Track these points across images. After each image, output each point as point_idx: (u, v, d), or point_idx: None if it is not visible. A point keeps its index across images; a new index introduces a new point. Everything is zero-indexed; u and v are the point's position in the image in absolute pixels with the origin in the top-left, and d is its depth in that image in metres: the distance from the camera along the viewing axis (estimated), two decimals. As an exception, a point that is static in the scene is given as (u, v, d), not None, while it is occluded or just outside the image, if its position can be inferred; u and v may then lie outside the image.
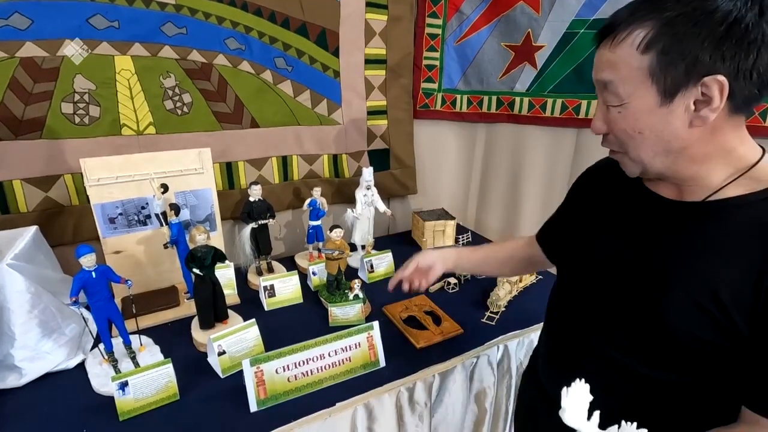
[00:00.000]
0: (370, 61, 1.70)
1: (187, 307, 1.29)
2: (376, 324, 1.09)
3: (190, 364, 1.08)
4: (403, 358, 1.12)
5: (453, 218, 1.80)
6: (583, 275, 0.74)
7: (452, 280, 1.45)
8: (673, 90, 0.55)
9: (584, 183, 0.85)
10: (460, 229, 1.90)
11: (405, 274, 1.04)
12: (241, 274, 1.46)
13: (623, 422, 0.55)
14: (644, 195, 0.67)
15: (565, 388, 0.58)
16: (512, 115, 1.78)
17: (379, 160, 1.82)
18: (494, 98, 1.80)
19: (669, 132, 0.57)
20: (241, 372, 1.02)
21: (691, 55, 0.52)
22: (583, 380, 0.59)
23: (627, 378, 0.67)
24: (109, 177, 1.20)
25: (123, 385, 0.90)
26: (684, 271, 0.59)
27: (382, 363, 1.09)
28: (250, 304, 1.35)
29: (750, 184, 0.57)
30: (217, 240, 1.39)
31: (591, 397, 0.58)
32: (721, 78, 0.52)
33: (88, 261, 0.96)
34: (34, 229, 1.15)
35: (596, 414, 0.57)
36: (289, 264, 1.58)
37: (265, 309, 1.32)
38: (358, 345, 1.06)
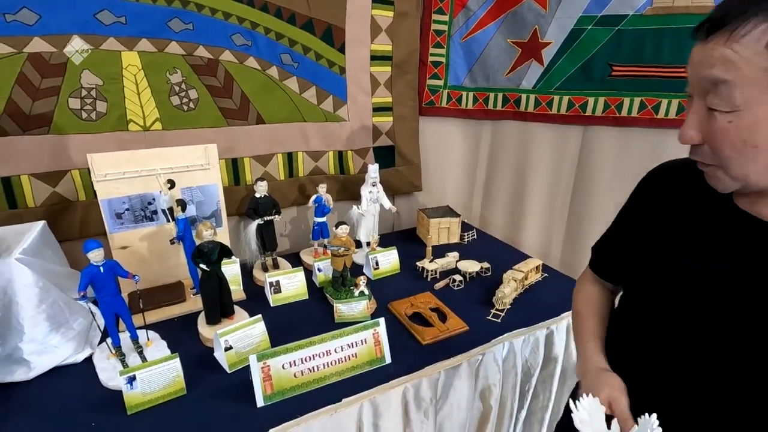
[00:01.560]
0: (376, 58, 1.69)
1: (193, 303, 1.29)
2: (382, 320, 1.09)
3: (197, 359, 1.09)
4: (409, 354, 1.12)
5: (458, 215, 1.80)
6: (662, 304, 0.65)
7: (457, 278, 1.45)
8: None
9: (651, 191, 0.72)
10: (465, 227, 1.90)
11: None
12: (246, 270, 1.47)
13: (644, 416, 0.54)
14: (737, 216, 0.58)
15: (573, 403, 0.56)
16: (518, 112, 1.78)
17: (385, 157, 1.82)
18: (500, 95, 1.79)
19: None
20: (247, 367, 1.02)
21: None
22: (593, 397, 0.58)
23: (709, 414, 0.60)
24: (116, 172, 1.20)
25: (131, 380, 0.91)
26: None
27: (388, 359, 1.09)
28: (255, 300, 1.35)
29: None
30: (223, 236, 1.39)
31: (603, 408, 0.58)
32: None
33: (96, 256, 0.96)
34: (41, 224, 1.16)
35: (614, 422, 0.55)
36: (294, 260, 1.59)
37: (271, 305, 1.33)
38: (364, 341, 1.06)
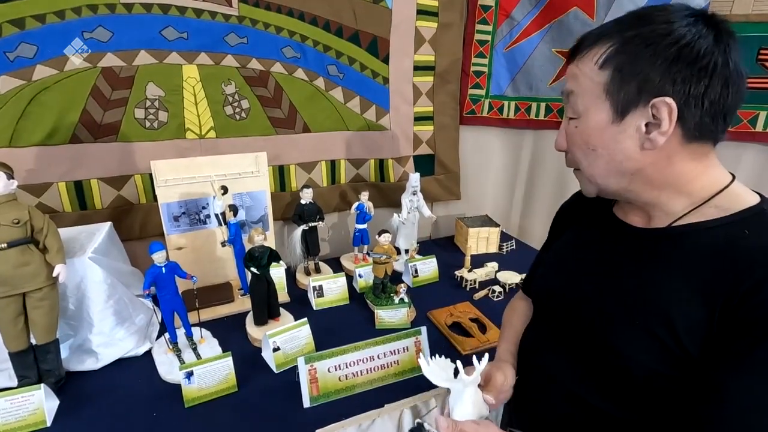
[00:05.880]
0: (419, 68, 1.72)
1: (241, 303, 1.36)
2: (424, 329, 1.11)
3: (245, 357, 1.14)
4: (449, 364, 1.13)
5: (497, 225, 1.79)
6: (556, 309, 0.72)
7: (497, 288, 1.45)
8: (624, 108, 0.55)
9: (560, 220, 0.84)
10: (504, 237, 1.89)
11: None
12: (289, 274, 1.52)
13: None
14: (615, 225, 0.67)
15: (423, 358, 0.67)
16: (562, 122, 1.75)
17: (424, 165, 1.84)
18: (543, 105, 1.78)
19: (620, 151, 0.58)
20: (292, 368, 1.07)
21: (643, 74, 0.53)
22: (443, 357, 0.69)
23: (591, 417, 0.64)
24: (176, 178, 1.28)
25: (189, 375, 0.97)
26: (642, 299, 0.58)
27: (429, 368, 1.10)
28: (298, 303, 1.40)
29: (714, 211, 0.56)
30: (269, 240, 1.45)
31: (453, 365, 0.67)
32: (670, 101, 0.52)
33: (159, 257, 1.03)
34: (108, 225, 1.26)
35: (459, 364, 0.65)
36: (334, 265, 1.63)
37: (314, 308, 1.37)
38: (406, 349, 1.09)
